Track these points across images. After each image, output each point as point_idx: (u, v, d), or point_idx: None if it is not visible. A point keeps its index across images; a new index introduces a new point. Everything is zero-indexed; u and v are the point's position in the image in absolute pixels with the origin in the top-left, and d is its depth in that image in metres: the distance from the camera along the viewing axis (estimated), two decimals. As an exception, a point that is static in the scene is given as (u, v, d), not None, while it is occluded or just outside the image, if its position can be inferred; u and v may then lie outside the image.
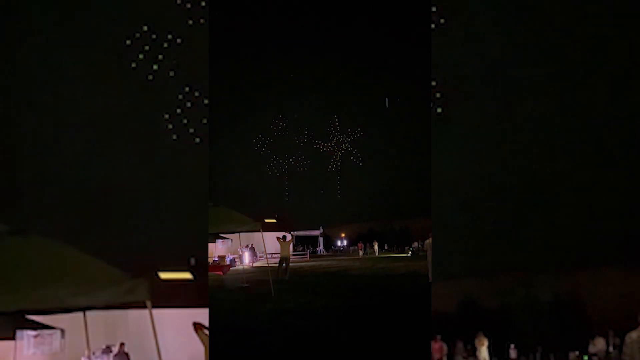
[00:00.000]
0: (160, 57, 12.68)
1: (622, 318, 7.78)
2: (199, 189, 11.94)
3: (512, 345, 8.96)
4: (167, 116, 12.41)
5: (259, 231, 14.73)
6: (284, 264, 17.84)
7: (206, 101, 12.49)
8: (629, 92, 10.21)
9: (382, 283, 17.69)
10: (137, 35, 12.69)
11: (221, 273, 21.30)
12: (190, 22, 12.76)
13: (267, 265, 16.30)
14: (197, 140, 12.30)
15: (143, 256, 8.95)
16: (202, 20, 12.86)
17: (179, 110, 12.48)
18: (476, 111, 10.80)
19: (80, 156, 10.91)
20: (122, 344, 9.23)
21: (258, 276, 19.74)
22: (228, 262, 24.21)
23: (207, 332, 7.66)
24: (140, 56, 12.65)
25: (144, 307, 7.51)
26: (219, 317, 9.42)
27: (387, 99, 43.25)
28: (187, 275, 8.20)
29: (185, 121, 12.52)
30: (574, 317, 9.35)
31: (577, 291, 9.26)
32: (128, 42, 12.65)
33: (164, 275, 8.00)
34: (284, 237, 18.41)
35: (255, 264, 27.39)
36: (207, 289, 10.04)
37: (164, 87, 12.87)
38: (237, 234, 21.30)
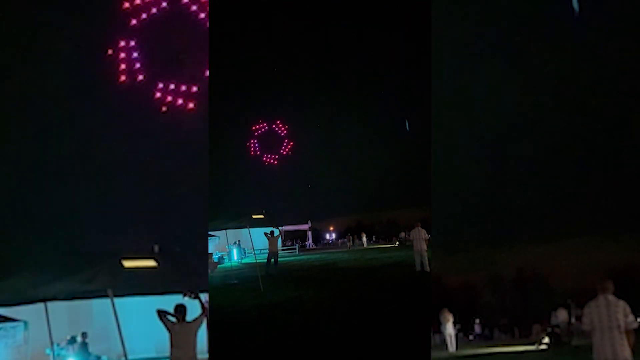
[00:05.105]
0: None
1: (583, 289, 7.77)
2: (199, 187, 11.80)
3: (477, 320, 8.96)
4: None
5: (246, 227, 14.61)
6: (272, 260, 17.77)
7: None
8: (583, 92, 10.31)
9: (370, 274, 17.62)
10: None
11: (209, 270, 21.20)
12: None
13: (255, 261, 16.20)
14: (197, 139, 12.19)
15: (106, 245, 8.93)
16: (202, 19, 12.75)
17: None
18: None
19: (47, 142, 10.84)
20: (83, 334, 9.20)
21: (247, 272, 19.65)
22: (216, 260, 24.15)
23: (172, 318, 7.61)
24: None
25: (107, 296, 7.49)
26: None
27: (407, 121, 42.99)
28: (150, 263, 8.18)
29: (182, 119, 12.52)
30: (537, 291, 9.38)
31: (538, 265, 9.28)
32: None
33: (127, 263, 7.98)
34: (272, 232, 18.32)
35: (243, 260, 27.29)
36: (207, 279, 10.06)
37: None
38: (224, 231, 21.27)
